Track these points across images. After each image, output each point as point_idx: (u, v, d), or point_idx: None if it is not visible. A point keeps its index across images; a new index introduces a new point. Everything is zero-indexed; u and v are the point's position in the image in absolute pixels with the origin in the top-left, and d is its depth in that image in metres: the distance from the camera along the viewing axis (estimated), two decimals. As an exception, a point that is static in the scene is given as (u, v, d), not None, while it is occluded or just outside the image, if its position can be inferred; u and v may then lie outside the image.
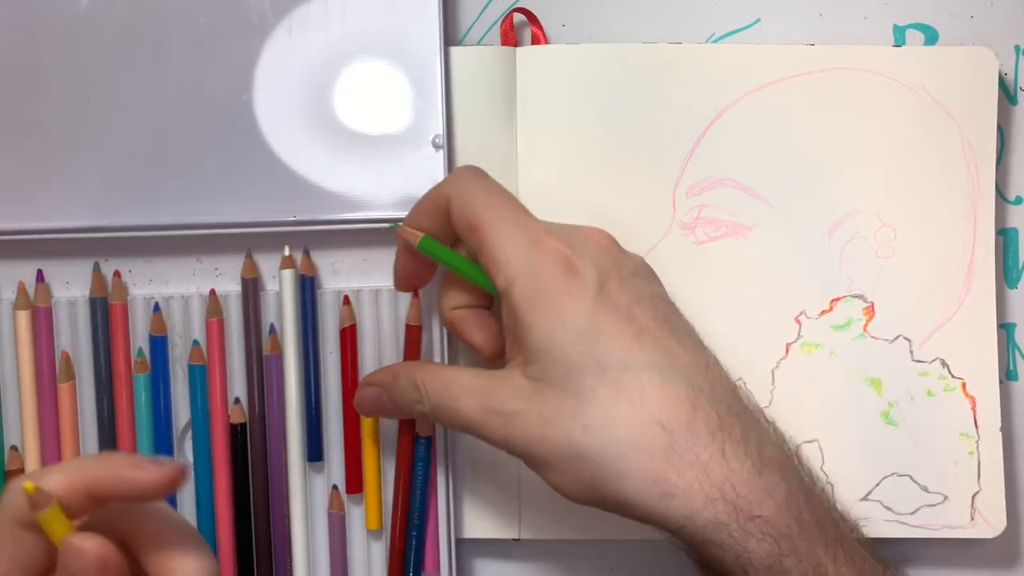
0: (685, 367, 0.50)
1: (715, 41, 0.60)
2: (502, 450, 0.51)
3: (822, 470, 0.60)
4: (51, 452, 0.58)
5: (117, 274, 0.58)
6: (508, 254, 0.50)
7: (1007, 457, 0.60)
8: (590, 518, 0.60)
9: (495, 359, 0.55)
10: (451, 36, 0.60)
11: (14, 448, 0.58)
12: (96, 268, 0.58)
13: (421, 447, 0.58)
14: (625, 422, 0.48)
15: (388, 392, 0.53)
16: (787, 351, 0.60)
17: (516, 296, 0.49)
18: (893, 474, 0.60)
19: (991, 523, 0.60)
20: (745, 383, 0.59)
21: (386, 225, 0.58)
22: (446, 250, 0.53)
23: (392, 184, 0.58)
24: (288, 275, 0.58)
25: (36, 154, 0.57)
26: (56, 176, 0.57)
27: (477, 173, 0.53)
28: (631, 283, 0.51)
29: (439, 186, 0.53)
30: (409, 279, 0.56)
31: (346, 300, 0.59)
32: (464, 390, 0.50)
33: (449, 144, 0.58)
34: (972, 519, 0.60)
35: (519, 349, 0.50)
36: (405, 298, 0.59)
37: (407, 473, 0.58)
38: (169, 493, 0.40)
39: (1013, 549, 0.62)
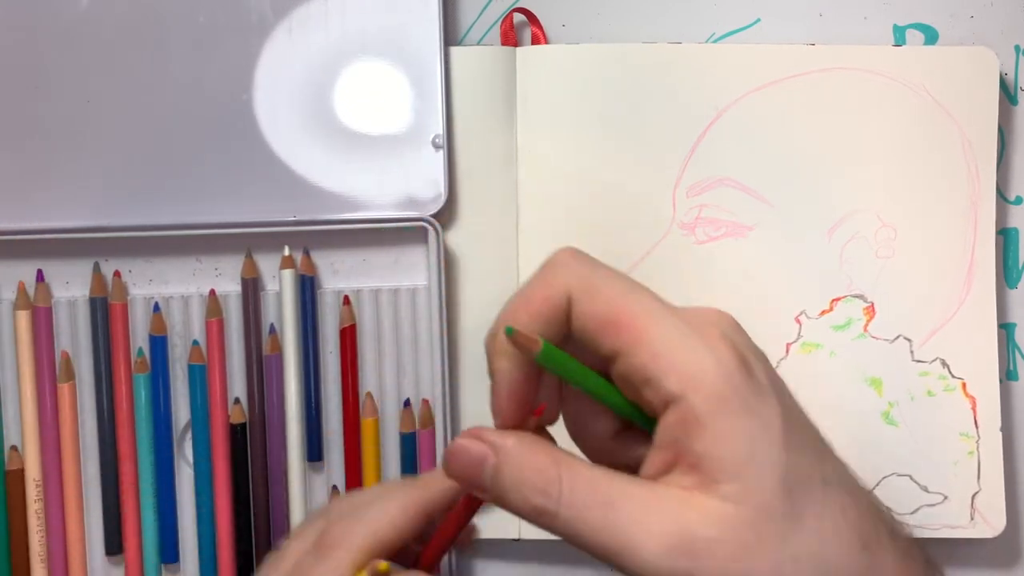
0: (845, 468, 0.41)
1: (715, 41, 0.60)
2: None
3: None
4: (51, 452, 0.58)
5: (117, 274, 0.58)
6: (680, 352, 0.38)
7: (1007, 457, 0.60)
8: (590, 518, 0.60)
9: None
10: (451, 36, 0.60)
11: (14, 448, 0.58)
12: (96, 268, 0.58)
13: (407, 445, 0.59)
14: (834, 548, 0.38)
15: (502, 466, 0.39)
16: (787, 351, 0.60)
17: (699, 402, 0.37)
18: (893, 474, 0.60)
19: (991, 523, 0.60)
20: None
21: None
22: (573, 362, 0.39)
23: (392, 184, 0.58)
24: (288, 275, 0.58)
25: (36, 154, 0.57)
26: (56, 176, 0.57)
27: (587, 256, 0.41)
28: (774, 372, 0.40)
29: (543, 277, 0.41)
30: (519, 406, 0.41)
31: (346, 300, 0.59)
32: (635, 504, 0.37)
33: (449, 144, 0.58)
34: (972, 519, 0.60)
35: (696, 466, 0.37)
36: (405, 298, 0.59)
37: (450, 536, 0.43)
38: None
39: (1013, 549, 0.62)
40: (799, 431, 0.39)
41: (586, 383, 0.40)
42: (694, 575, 0.36)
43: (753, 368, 0.39)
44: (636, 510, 0.37)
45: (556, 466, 0.38)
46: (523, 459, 0.39)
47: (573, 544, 0.38)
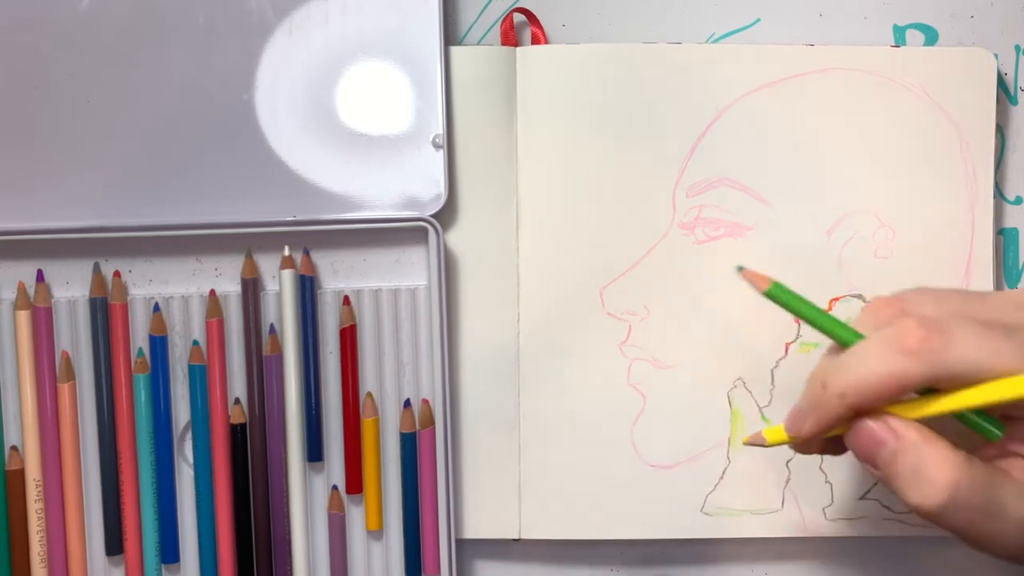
0: None
1: (715, 41, 0.60)
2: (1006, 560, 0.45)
3: (820, 469, 0.60)
4: (51, 452, 0.58)
5: (117, 274, 0.58)
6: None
7: (1006, 457, 0.60)
8: (590, 518, 0.60)
9: None
10: (451, 36, 0.60)
11: (14, 448, 0.58)
12: (96, 268, 0.58)
13: (407, 445, 0.59)
14: None
15: (899, 453, 0.44)
16: (786, 351, 0.60)
17: None
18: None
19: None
20: (745, 382, 0.59)
21: None
22: (802, 300, 0.47)
23: (392, 184, 0.58)
24: (288, 275, 0.58)
25: (36, 154, 0.57)
26: (56, 176, 0.57)
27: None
28: None
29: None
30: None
31: (346, 300, 0.59)
32: (1017, 493, 0.44)
33: (449, 144, 0.58)
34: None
35: None
36: (405, 298, 0.59)
37: None
38: None
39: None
40: None
41: (815, 320, 0.46)
42: None
43: None
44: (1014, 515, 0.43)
45: (949, 465, 0.43)
46: (921, 451, 0.43)
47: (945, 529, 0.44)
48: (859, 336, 0.45)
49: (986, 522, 0.43)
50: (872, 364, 0.43)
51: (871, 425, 0.44)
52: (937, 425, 0.44)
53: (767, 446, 0.49)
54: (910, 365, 0.42)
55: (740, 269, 0.47)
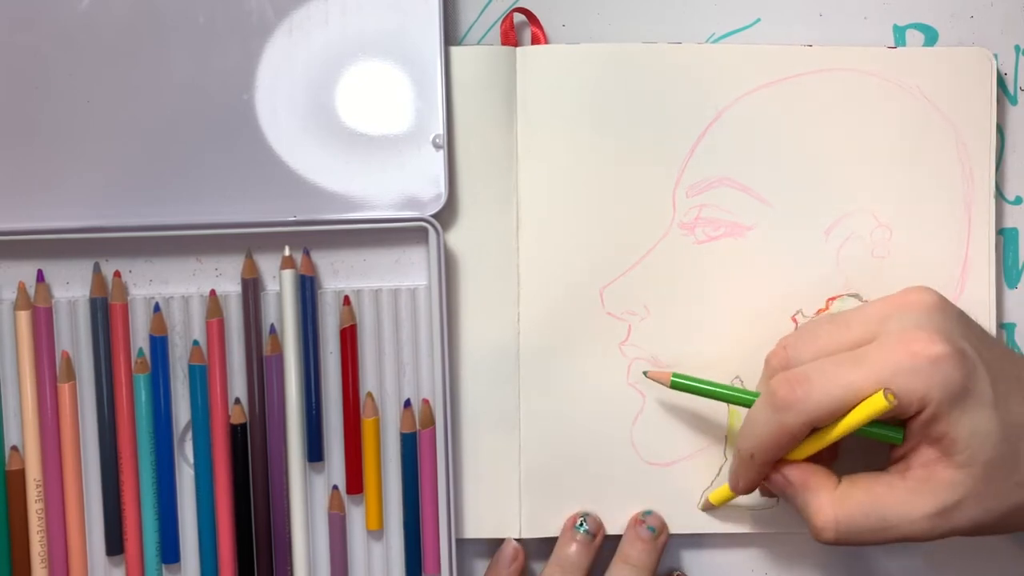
0: None
1: (715, 41, 0.60)
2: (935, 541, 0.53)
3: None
4: (51, 452, 0.58)
5: (117, 274, 0.58)
6: (911, 381, 0.51)
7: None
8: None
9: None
10: (451, 36, 0.60)
11: (15, 448, 0.58)
12: (96, 268, 0.58)
13: (407, 445, 0.59)
14: None
15: (794, 501, 0.55)
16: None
17: (935, 406, 0.50)
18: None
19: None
20: (743, 381, 0.59)
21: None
22: (701, 381, 0.57)
23: (392, 184, 0.58)
24: (288, 275, 0.58)
25: (36, 154, 0.57)
26: (56, 176, 0.57)
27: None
28: (976, 333, 0.53)
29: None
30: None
31: (346, 300, 0.59)
32: (894, 503, 0.52)
33: (449, 144, 0.58)
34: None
35: (936, 443, 0.51)
36: (405, 298, 0.59)
37: None
38: None
39: (1006, 544, 0.62)
40: (1004, 378, 0.52)
41: (718, 396, 0.57)
42: (951, 531, 0.51)
43: (965, 353, 0.50)
44: (899, 503, 0.52)
45: (827, 505, 0.53)
46: (805, 496, 0.54)
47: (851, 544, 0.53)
48: (755, 396, 0.54)
49: (880, 535, 0.52)
50: (760, 425, 0.52)
51: (773, 476, 0.54)
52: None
53: (717, 508, 0.60)
54: (786, 419, 0.51)
55: (645, 373, 0.58)
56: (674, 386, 0.57)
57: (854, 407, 0.51)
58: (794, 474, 0.54)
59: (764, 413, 0.52)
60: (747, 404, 0.55)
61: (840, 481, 0.53)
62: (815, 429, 0.52)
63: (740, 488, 0.56)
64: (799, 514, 0.54)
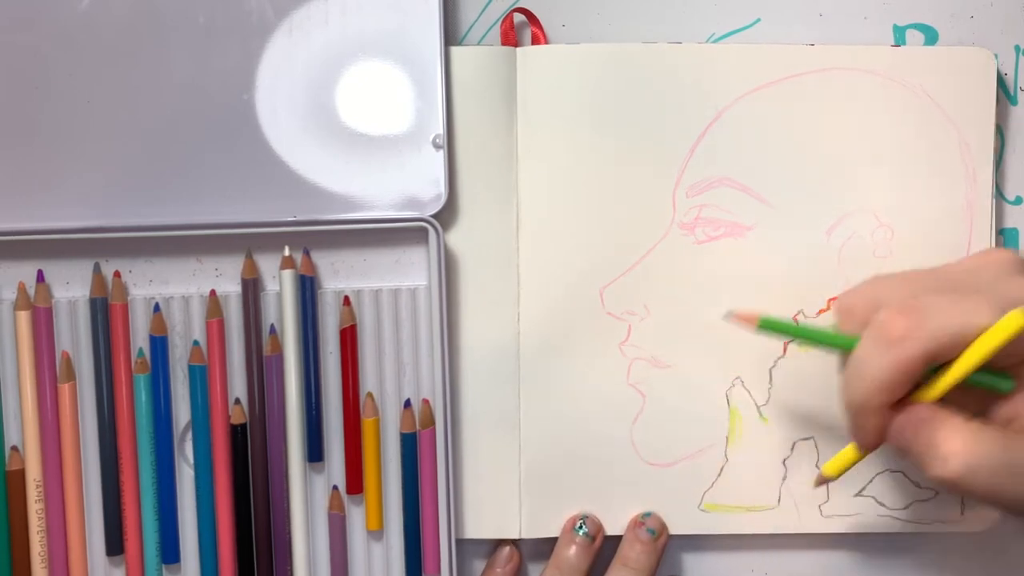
0: None
1: (715, 41, 0.60)
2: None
3: (816, 466, 0.60)
4: (51, 452, 0.58)
5: (117, 274, 0.58)
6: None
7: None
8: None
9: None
10: (451, 36, 0.60)
11: (15, 448, 0.58)
12: (96, 268, 0.58)
13: (407, 445, 0.59)
14: None
15: (915, 438, 0.47)
16: (785, 350, 0.60)
17: None
18: (886, 470, 0.60)
19: (981, 517, 0.61)
20: (743, 381, 0.59)
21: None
22: (790, 324, 0.53)
23: (392, 184, 0.58)
24: (288, 275, 0.58)
25: (36, 154, 0.57)
26: (56, 176, 0.57)
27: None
28: None
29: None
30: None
31: (346, 300, 0.59)
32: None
33: (449, 144, 0.58)
34: (962, 513, 0.61)
35: None
36: (405, 298, 0.59)
37: None
38: None
39: (1003, 542, 0.62)
40: None
41: (810, 338, 0.51)
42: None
43: None
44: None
45: (960, 435, 0.46)
46: (934, 426, 0.47)
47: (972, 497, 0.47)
48: (855, 339, 0.48)
49: (1010, 482, 0.45)
50: (871, 367, 0.47)
51: (897, 418, 0.48)
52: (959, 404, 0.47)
53: (835, 479, 0.53)
54: (902, 352, 0.46)
55: (729, 315, 0.51)
56: (761, 328, 0.51)
57: (975, 337, 0.46)
58: (922, 410, 0.47)
59: (874, 351, 0.47)
60: (846, 347, 0.49)
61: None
62: (928, 374, 0.48)
63: (869, 442, 0.49)
64: (916, 462, 0.47)
